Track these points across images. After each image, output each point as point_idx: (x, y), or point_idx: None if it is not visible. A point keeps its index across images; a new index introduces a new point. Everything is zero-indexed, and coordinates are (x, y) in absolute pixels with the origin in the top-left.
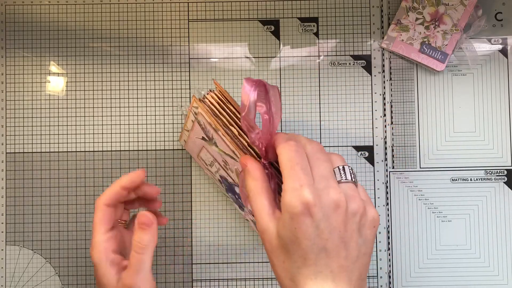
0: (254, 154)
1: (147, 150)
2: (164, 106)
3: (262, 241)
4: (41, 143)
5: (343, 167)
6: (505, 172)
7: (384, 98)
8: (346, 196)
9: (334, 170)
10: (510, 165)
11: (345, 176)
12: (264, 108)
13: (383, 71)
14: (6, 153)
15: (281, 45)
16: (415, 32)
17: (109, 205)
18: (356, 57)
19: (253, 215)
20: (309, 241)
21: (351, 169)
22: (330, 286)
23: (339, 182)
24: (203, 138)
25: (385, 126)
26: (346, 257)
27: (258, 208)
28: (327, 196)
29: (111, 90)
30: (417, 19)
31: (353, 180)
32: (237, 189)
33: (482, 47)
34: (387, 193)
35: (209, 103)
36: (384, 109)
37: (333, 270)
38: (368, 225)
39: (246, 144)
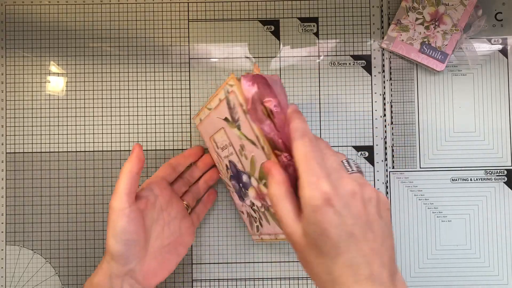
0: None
1: (147, 150)
2: (164, 106)
3: (291, 245)
4: (41, 143)
5: (347, 161)
6: (505, 172)
7: (384, 98)
8: (359, 184)
9: (342, 162)
10: (510, 165)
11: (351, 168)
12: (273, 102)
13: (383, 71)
14: (6, 153)
15: (281, 45)
16: (415, 32)
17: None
18: (356, 57)
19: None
20: (336, 229)
21: (354, 161)
22: (366, 271)
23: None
24: (225, 119)
25: (385, 126)
26: (374, 240)
27: (283, 213)
28: (342, 185)
29: (111, 90)
30: (417, 19)
31: (359, 170)
32: (244, 177)
33: (482, 47)
34: (387, 193)
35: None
36: (384, 109)
37: (366, 254)
38: (383, 207)
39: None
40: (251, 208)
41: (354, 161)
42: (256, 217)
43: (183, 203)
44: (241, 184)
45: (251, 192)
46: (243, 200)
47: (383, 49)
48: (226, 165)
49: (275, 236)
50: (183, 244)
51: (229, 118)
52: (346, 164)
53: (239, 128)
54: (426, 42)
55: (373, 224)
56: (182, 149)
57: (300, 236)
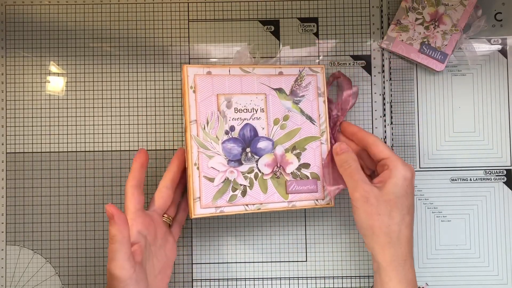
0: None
1: (147, 150)
2: (164, 106)
3: (360, 202)
4: (41, 143)
5: None
6: (505, 172)
7: (384, 98)
8: None
9: None
10: (510, 165)
11: None
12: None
13: (383, 71)
14: (6, 153)
15: (281, 45)
16: (414, 32)
17: (134, 186)
18: (356, 57)
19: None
20: (413, 196)
21: None
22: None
23: None
24: (278, 89)
25: (385, 126)
26: None
27: (361, 177)
28: (413, 169)
29: (111, 90)
30: (416, 19)
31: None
32: (263, 143)
33: (482, 47)
34: None
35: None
36: (384, 109)
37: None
38: None
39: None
40: (243, 174)
41: None
42: (241, 184)
43: (164, 225)
44: (249, 149)
45: (266, 158)
46: (235, 165)
47: (383, 49)
48: (229, 128)
49: (258, 206)
50: (169, 265)
51: (285, 90)
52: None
53: (296, 103)
54: (426, 42)
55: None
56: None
57: (379, 194)
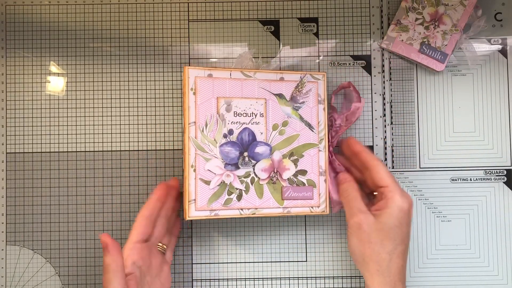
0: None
1: (147, 150)
2: (164, 106)
3: (354, 229)
4: (41, 143)
5: None
6: (505, 172)
7: (384, 98)
8: None
9: None
10: (510, 165)
11: None
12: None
13: (383, 71)
14: (6, 153)
15: (281, 45)
16: (414, 32)
17: (146, 217)
18: (356, 57)
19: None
20: (408, 227)
21: None
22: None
23: None
24: (278, 95)
25: (385, 126)
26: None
27: (357, 206)
28: (411, 200)
29: (111, 90)
30: (416, 19)
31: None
32: (261, 148)
33: (482, 47)
34: None
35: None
36: (384, 109)
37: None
38: None
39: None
40: (240, 178)
41: None
42: (237, 188)
43: (159, 254)
44: (247, 153)
45: (263, 163)
46: (232, 169)
47: (383, 49)
48: (228, 131)
49: (253, 211)
50: None
51: (286, 95)
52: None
53: (296, 109)
54: (426, 42)
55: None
56: (182, 149)
57: (373, 222)
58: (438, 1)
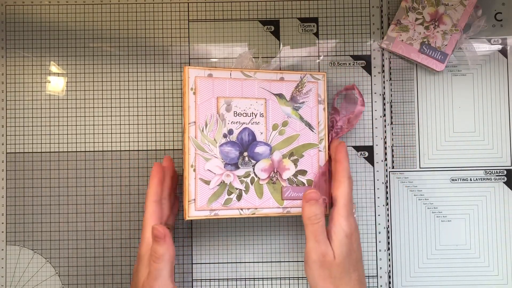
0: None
1: (147, 150)
2: (164, 106)
3: (316, 265)
4: (41, 143)
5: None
6: (505, 172)
7: (384, 98)
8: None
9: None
10: (510, 165)
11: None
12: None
13: (383, 71)
14: (6, 153)
15: (281, 45)
16: (414, 32)
17: (156, 201)
18: (356, 57)
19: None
20: (359, 250)
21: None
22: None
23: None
24: (279, 95)
25: (385, 126)
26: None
27: (323, 240)
28: (355, 223)
29: (111, 90)
30: (416, 19)
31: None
32: (261, 148)
33: (482, 47)
34: (387, 193)
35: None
36: (384, 109)
37: (363, 274)
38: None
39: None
40: (240, 178)
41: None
42: (236, 188)
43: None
44: (246, 153)
45: (263, 163)
46: (231, 169)
47: (383, 49)
48: (228, 131)
49: (253, 211)
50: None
51: (286, 95)
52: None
53: (296, 109)
54: (426, 42)
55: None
56: (182, 149)
57: (331, 259)
58: (438, 1)
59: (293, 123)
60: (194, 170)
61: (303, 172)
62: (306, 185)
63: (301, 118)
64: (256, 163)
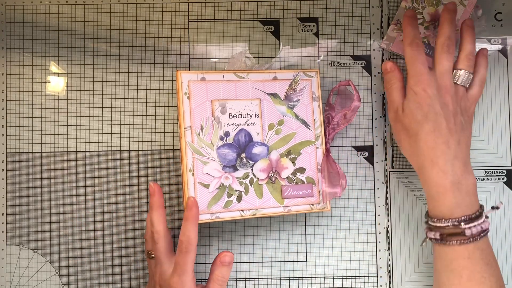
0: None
1: (147, 150)
2: (164, 106)
3: (396, 118)
4: (41, 143)
5: (461, 71)
6: (505, 172)
7: (384, 98)
8: (456, 90)
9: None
10: (510, 165)
11: (459, 79)
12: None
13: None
14: (6, 153)
15: (281, 45)
16: None
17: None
18: (356, 57)
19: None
20: (427, 105)
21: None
22: (443, 138)
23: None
24: (273, 94)
25: (385, 126)
26: (455, 124)
27: (396, 94)
28: (442, 82)
29: (111, 90)
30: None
31: (464, 85)
32: (258, 149)
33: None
34: (387, 193)
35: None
36: (384, 109)
37: (446, 129)
38: (465, 112)
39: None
40: (239, 180)
41: (469, 74)
42: (236, 190)
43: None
44: (244, 154)
45: (261, 164)
46: (230, 171)
47: (383, 49)
48: (224, 133)
49: (253, 212)
50: None
51: (280, 94)
52: (459, 74)
53: (290, 107)
54: (426, 42)
55: (456, 116)
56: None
57: (401, 112)
58: (438, 1)
59: (289, 121)
60: (193, 174)
61: (301, 170)
62: (306, 182)
63: (297, 116)
64: (254, 163)
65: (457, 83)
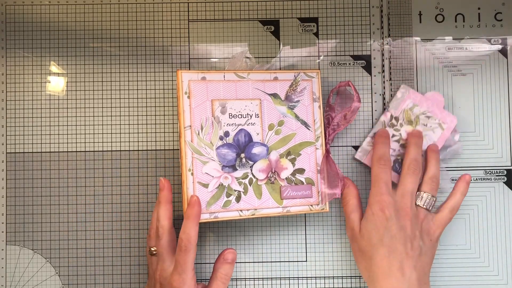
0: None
1: (147, 150)
2: (164, 106)
3: (353, 238)
4: (41, 143)
5: (423, 195)
6: (505, 172)
7: (384, 98)
8: (415, 214)
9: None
10: (510, 165)
11: (423, 202)
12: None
13: (383, 71)
14: (6, 153)
15: (281, 45)
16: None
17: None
18: (356, 57)
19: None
20: (384, 228)
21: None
22: (398, 265)
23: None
24: (273, 94)
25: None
26: (412, 249)
27: (353, 216)
28: (401, 205)
29: (111, 90)
30: (393, 135)
31: (427, 207)
32: (258, 149)
33: (482, 47)
34: None
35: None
36: (384, 109)
37: (402, 254)
38: (426, 237)
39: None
40: (238, 180)
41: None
42: (235, 190)
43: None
44: (244, 154)
45: (260, 164)
46: (229, 171)
47: (356, 160)
48: (224, 133)
49: (252, 212)
50: None
51: (280, 95)
52: (422, 196)
53: (291, 108)
54: (399, 160)
55: (414, 240)
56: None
57: (358, 232)
58: (417, 121)
59: (289, 122)
60: (192, 174)
61: (301, 171)
62: (305, 183)
63: (297, 117)
64: (253, 164)
65: (419, 205)
